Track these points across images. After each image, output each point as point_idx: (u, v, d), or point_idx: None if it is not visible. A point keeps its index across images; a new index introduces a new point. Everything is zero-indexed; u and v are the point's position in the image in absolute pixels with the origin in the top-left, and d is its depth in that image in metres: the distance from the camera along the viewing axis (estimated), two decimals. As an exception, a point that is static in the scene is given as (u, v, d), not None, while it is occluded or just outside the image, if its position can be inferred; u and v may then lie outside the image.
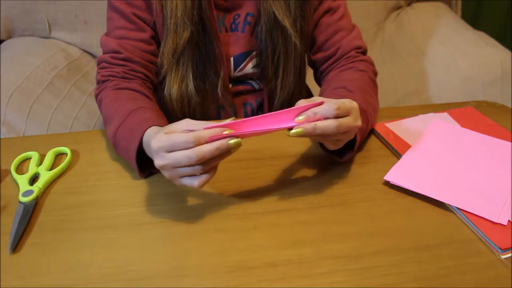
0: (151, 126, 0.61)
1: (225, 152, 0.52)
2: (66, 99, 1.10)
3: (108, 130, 0.68)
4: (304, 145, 0.71)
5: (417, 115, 0.79)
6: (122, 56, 0.74)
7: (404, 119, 0.77)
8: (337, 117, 0.54)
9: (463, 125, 0.75)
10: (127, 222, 0.58)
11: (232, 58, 0.80)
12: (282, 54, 0.78)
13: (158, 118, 0.65)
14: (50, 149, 0.70)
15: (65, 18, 1.28)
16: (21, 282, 0.50)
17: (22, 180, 0.63)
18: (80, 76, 1.21)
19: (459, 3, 1.53)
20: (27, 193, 0.61)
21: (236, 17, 0.79)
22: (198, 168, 0.52)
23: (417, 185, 0.61)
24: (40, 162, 0.68)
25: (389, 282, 0.49)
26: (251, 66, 0.82)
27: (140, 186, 0.64)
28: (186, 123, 0.54)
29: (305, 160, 0.68)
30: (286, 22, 0.74)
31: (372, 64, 0.81)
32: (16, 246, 0.54)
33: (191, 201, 0.61)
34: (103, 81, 0.75)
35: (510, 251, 0.53)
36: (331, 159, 0.67)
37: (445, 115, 0.79)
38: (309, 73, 0.90)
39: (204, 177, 0.53)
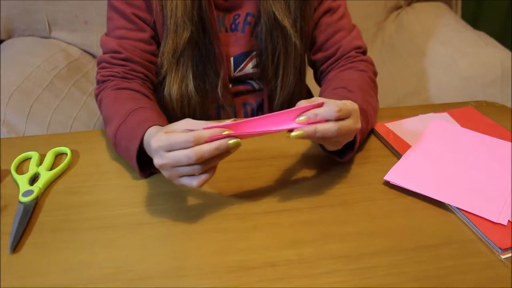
0: (152, 125, 0.61)
1: (225, 152, 0.53)
2: (66, 99, 1.10)
3: (108, 130, 0.68)
4: (304, 145, 0.71)
5: (417, 115, 0.79)
6: (122, 56, 0.74)
7: (404, 119, 0.77)
8: (338, 119, 0.54)
9: (463, 125, 0.75)
10: (127, 222, 0.58)
11: (232, 58, 0.80)
12: (282, 54, 0.78)
13: (159, 118, 0.65)
14: (50, 149, 0.70)
15: (65, 18, 1.28)
16: (21, 282, 0.50)
17: (22, 180, 0.63)
18: (80, 76, 1.21)
19: (459, 3, 1.53)
20: (27, 193, 0.61)
21: (236, 17, 0.79)
22: (197, 168, 0.52)
23: (417, 185, 0.61)
24: (40, 162, 0.68)
25: (389, 282, 0.49)
26: (251, 66, 0.82)
27: (140, 186, 0.64)
28: (186, 123, 0.54)
29: (305, 160, 0.68)
30: (286, 22, 0.74)
31: (372, 64, 0.81)
32: (16, 246, 0.54)
33: (191, 201, 0.61)
34: (103, 81, 0.75)
35: (510, 251, 0.53)
36: (331, 159, 0.67)
37: (445, 115, 0.79)
38: (309, 73, 0.90)
39: (203, 177, 0.53)
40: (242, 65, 0.82)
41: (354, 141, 0.63)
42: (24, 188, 0.62)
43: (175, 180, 0.54)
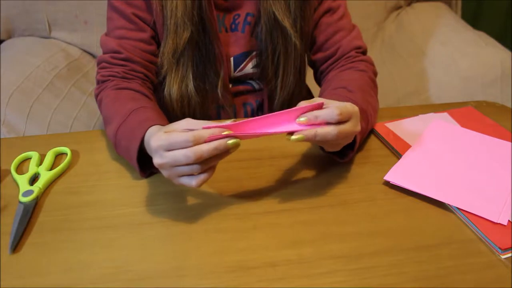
0: (152, 125, 0.61)
1: (224, 152, 0.53)
2: (66, 99, 1.10)
3: (109, 130, 0.68)
4: (304, 145, 0.71)
5: (417, 115, 0.79)
6: (122, 56, 0.74)
7: (404, 119, 0.77)
8: (338, 122, 0.54)
9: (463, 125, 0.75)
10: (127, 222, 0.58)
11: (232, 58, 0.80)
12: (282, 54, 0.78)
13: (159, 117, 0.65)
14: (50, 149, 0.70)
15: (65, 18, 1.28)
16: (21, 282, 0.50)
17: (22, 180, 0.63)
18: (80, 76, 1.21)
19: (459, 3, 1.53)
20: (27, 193, 0.61)
21: (236, 17, 0.79)
22: (196, 167, 0.52)
23: (417, 185, 0.61)
24: (40, 162, 0.67)
25: (389, 282, 0.49)
26: (251, 66, 0.82)
27: (140, 186, 0.64)
28: (186, 123, 0.54)
29: (305, 160, 0.68)
30: (286, 23, 0.74)
31: (372, 64, 0.81)
32: (16, 246, 0.54)
33: (191, 201, 0.61)
34: (103, 81, 0.75)
35: (510, 251, 0.53)
36: (331, 159, 0.67)
37: (445, 115, 0.79)
38: (309, 73, 0.90)
39: (202, 176, 0.53)
40: (242, 65, 0.82)
41: (354, 141, 0.63)
42: (24, 188, 0.62)
43: (174, 179, 0.54)
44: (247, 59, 0.81)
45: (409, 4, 1.50)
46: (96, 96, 0.75)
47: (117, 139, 0.65)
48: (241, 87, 0.84)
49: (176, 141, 0.51)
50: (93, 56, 1.32)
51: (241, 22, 0.79)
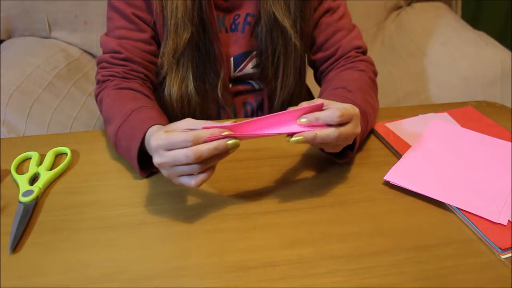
0: (153, 125, 0.61)
1: (223, 153, 0.53)
2: (66, 99, 1.10)
3: (109, 130, 0.68)
4: (304, 145, 0.71)
5: (417, 115, 0.79)
6: (122, 56, 0.74)
7: (404, 119, 0.77)
8: (339, 123, 0.54)
9: (463, 125, 0.75)
10: (127, 222, 0.58)
11: (232, 58, 0.80)
12: (282, 54, 0.78)
13: (160, 117, 0.65)
14: (50, 149, 0.70)
15: (65, 18, 1.28)
16: (21, 282, 0.50)
17: (22, 180, 0.63)
18: (80, 76, 1.21)
19: (459, 3, 1.53)
20: (27, 193, 0.61)
21: (236, 17, 0.79)
22: (195, 167, 0.52)
23: (417, 185, 0.61)
24: (40, 162, 0.68)
25: (389, 282, 0.49)
26: (251, 66, 0.82)
27: (140, 186, 0.64)
28: (186, 123, 0.54)
29: (305, 160, 0.68)
30: (286, 23, 0.74)
31: (372, 64, 0.81)
32: (16, 246, 0.54)
33: (191, 200, 0.61)
34: (103, 81, 0.75)
35: (510, 251, 0.53)
36: (331, 159, 0.67)
37: (445, 115, 0.79)
38: (309, 73, 0.90)
39: (202, 176, 0.53)
40: (242, 65, 0.82)
41: (353, 142, 0.63)
42: (24, 188, 0.62)
43: (174, 179, 0.54)
44: (247, 59, 0.81)
45: (409, 4, 1.50)
46: (96, 96, 0.75)
47: (117, 138, 0.65)
48: (241, 87, 0.84)
49: (176, 140, 0.51)
50: (93, 56, 1.32)
51: (241, 22, 0.79)
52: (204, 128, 0.52)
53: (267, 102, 0.85)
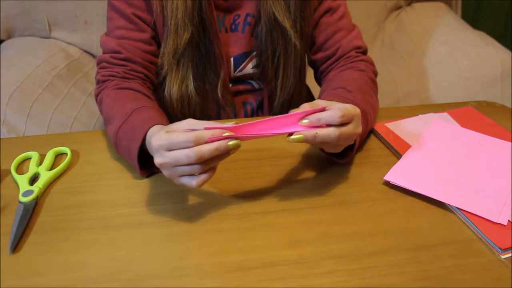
0: (154, 125, 0.61)
1: (224, 153, 0.53)
2: (66, 99, 1.10)
3: (109, 130, 0.68)
4: (304, 145, 0.71)
5: (417, 115, 0.79)
6: (123, 56, 0.74)
7: (404, 119, 0.77)
8: (340, 124, 0.54)
9: (463, 125, 0.75)
10: (127, 222, 0.58)
11: (232, 59, 0.80)
12: (282, 54, 0.78)
13: (160, 117, 0.65)
14: (50, 149, 0.70)
15: (65, 18, 1.28)
16: (21, 282, 0.50)
17: (22, 180, 0.63)
18: (80, 76, 1.21)
19: (459, 3, 1.54)
20: (27, 193, 0.61)
21: (236, 17, 0.79)
22: (197, 168, 0.52)
23: (417, 185, 0.61)
24: (40, 162, 0.68)
25: (389, 282, 0.49)
26: (251, 67, 0.82)
27: (140, 186, 0.64)
28: (188, 123, 0.54)
29: (305, 160, 0.68)
30: (286, 23, 0.74)
31: (372, 64, 0.81)
32: (16, 246, 0.54)
33: (191, 200, 0.61)
34: (103, 81, 0.75)
35: (510, 251, 0.53)
36: (331, 159, 0.67)
37: (445, 115, 0.79)
38: (309, 73, 0.90)
39: (203, 176, 0.53)
40: (242, 65, 0.82)
41: (353, 142, 0.63)
42: (24, 188, 0.62)
43: (175, 179, 0.54)
44: (247, 60, 0.81)
45: (409, 4, 1.50)
46: (96, 96, 0.75)
47: (117, 138, 0.65)
48: (241, 87, 0.84)
49: (177, 141, 0.51)
50: (93, 56, 1.32)
51: (241, 23, 0.79)
52: (205, 128, 0.52)
53: (267, 102, 0.85)
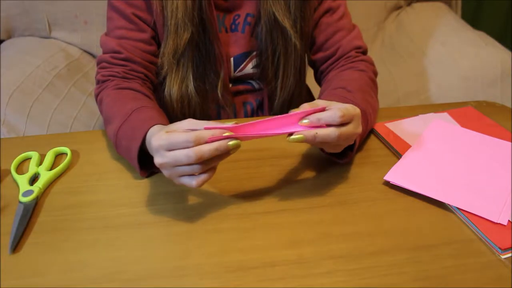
0: (154, 124, 0.61)
1: (224, 153, 0.53)
2: (66, 99, 1.10)
3: (109, 130, 0.68)
4: (304, 145, 0.71)
5: (417, 115, 0.79)
6: (123, 56, 0.74)
7: (404, 119, 0.77)
8: (340, 124, 0.54)
9: (463, 125, 0.75)
10: (127, 222, 0.58)
11: (232, 59, 0.80)
12: (282, 54, 0.78)
13: (160, 117, 0.65)
14: (50, 149, 0.70)
15: (65, 18, 1.28)
16: (21, 282, 0.50)
17: (22, 180, 0.63)
18: (80, 76, 1.21)
19: (459, 3, 1.54)
20: (27, 193, 0.61)
21: (236, 17, 0.79)
22: (197, 168, 0.52)
23: (417, 185, 0.61)
24: (40, 162, 0.68)
25: (389, 282, 0.49)
26: (251, 67, 0.82)
27: (140, 186, 0.64)
28: (188, 123, 0.54)
29: (305, 160, 0.68)
30: (286, 23, 0.74)
31: (372, 64, 0.81)
32: (16, 246, 0.54)
33: (191, 200, 0.61)
34: (104, 81, 0.75)
35: (510, 251, 0.53)
36: (331, 159, 0.67)
37: (445, 115, 0.79)
38: (309, 73, 0.90)
39: (203, 177, 0.53)
40: (242, 65, 0.82)
41: (353, 142, 0.63)
42: (24, 188, 0.62)
43: (175, 179, 0.54)
44: (247, 60, 0.81)
45: (409, 4, 1.50)
46: (96, 96, 0.75)
47: (118, 138, 0.65)
48: (241, 87, 0.84)
49: (177, 141, 0.51)
50: (93, 56, 1.32)
51: (241, 23, 0.79)
52: (205, 128, 0.52)
53: (267, 102, 0.85)
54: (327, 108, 0.55)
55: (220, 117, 0.85)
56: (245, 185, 0.63)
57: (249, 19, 0.78)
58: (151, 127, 0.61)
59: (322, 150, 0.67)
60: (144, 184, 0.64)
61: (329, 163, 0.67)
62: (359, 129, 0.58)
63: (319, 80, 0.87)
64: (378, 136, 0.74)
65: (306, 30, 0.79)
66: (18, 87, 1.03)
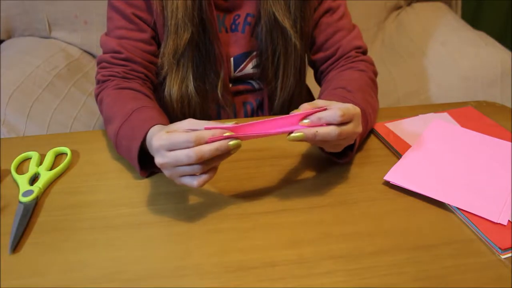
0: (154, 124, 0.61)
1: (225, 153, 0.53)
2: (66, 99, 1.10)
3: (109, 130, 0.68)
4: (304, 145, 0.71)
5: (417, 115, 0.79)
6: (123, 56, 0.74)
7: (404, 119, 0.77)
8: (340, 123, 0.54)
9: (463, 125, 0.75)
10: (127, 222, 0.58)
11: (232, 59, 0.80)
12: (282, 54, 0.78)
13: (161, 117, 0.65)
14: (50, 149, 0.70)
15: (65, 18, 1.28)
16: (21, 282, 0.50)
17: (22, 180, 0.63)
18: (80, 76, 1.21)
19: (459, 3, 1.53)
20: (27, 193, 0.61)
21: (236, 17, 0.79)
22: (197, 168, 0.52)
23: (417, 185, 0.61)
24: (40, 162, 0.68)
25: (389, 282, 0.49)
26: (251, 67, 0.82)
27: (140, 186, 0.64)
28: (188, 123, 0.54)
29: (305, 160, 0.68)
30: (286, 23, 0.74)
31: (372, 64, 0.81)
32: (16, 246, 0.54)
33: (191, 200, 0.61)
34: (104, 81, 0.75)
35: (510, 251, 0.53)
36: (331, 159, 0.67)
37: (445, 115, 0.79)
38: (309, 73, 0.90)
39: (204, 177, 0.53)
40: (242, 65, 0.82)
41: (353, 142, 0.63)
42: (24, 188, 0.62)
43: (176, 179, 0.54)
44: (247, 60, 0.81)
45: (409, 4, 1.50)
46: (96, 96, 0.75)
47: (118, 138, 0.65)
48: (241, 87, 0.84)
49: (177, 141, 0.51)
50: (93, 56, 1.32)
51: (241, 23, 0.79)
52: (206, 128, 0.52)
53: (267, 102, 0.85)
54: (327, 108, 0.55)
55: (220, 117, 0.85)
56: (245, 185, 0.63)
57: (249, 19, 0.78)
58: (151, 127, 0.61)
59: (322, 149, 0.67)
60: (144, 184, 0.64)
61: (329, 163, 0.67)
62: (359, 129, 0.58)
63: (319, 80, 0.87)
64: (378, 136, 0.74)
65: (306, 30, 0.79)
66: (18, 87, 1.03)
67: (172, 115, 0.79)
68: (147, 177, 0.65)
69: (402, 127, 0.75)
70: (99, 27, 1.29)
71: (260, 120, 0.54)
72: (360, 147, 0.71)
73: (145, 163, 0.63)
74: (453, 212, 0.59)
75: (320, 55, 0.82)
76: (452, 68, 1.18)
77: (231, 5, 0.78)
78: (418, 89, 1.21)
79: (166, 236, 0.56)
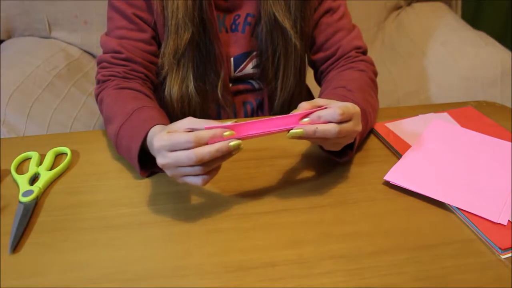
0: (155, 124, 0.61)
1: (226, 154, 0.53)
2: (66, 99, 1.10)
3: (110, 130, 0.68)
4: (304, 145, 0.71)
5: (417, 115, 0.79)
6: (123, 56, 0.74)
7: (404, 119, 0.77)
8: (340, 122, 0.54)
9: (463, 125, 0.75)
10: (127, 222, 0.58)
11: (232, 59, 0.80)
12: (282, 55, 0.78)
13: (161, 117, 0.65)
14: (50, 149, 0.70)
15: (65, 18, 1.28)
16: (21, 282, 0.50)
17: (22, 180, 0.63)
18: (80, 76, 1.21)
19: (459, 3, 1.53)
20: (27, 193, 0.61)
21: (236, 17, 0.79)
22: (199, 169, 0.52)
23: (417, 185, 0.61)
24: (40, 162, 0.68)
25: (389, 282, 0.49)
26: (251, 67, 0.82)
27: (140, 186, 0.64)
28: (188, 122, 0.54)
29: (305, 160, 0.68)
30: (286, 23, 0.74)
31: (372, 64, 0.81)
32: (16, 246, 0.54)
33: (191, 200, 0.61)
34: (104, 81, 0.75)
35: (510, 251, 0.53)
36: (331, 159, 0.67)
37: (445, 115, 0.79)
38: (309, 73, 0.90)
39: (206, 176, 0.53)
40: (242, 65, 0.82)
41: (353, 141, 0.63)
42: (24, 188, 0.62)
43: (178, 179, 0.55)
44: (247, 60, 0.81)
45: (409, 4, 1.50)
46: (97, 96, 0.75)
47: (118, 138, 0.65)
48: (241, 87, 0.84)
49: (178, 141, 0.51)
50: (93, 56, 1.32)
51: (241, 23, 0.79)
52: (206, 128, 0.52)
53: (267, 102, 0.85)
54: (327, 107, 0.55)
55: (220, 117, 0.85)
56: (245, 185, 0.63)
57: (249, 19, 0.78)
58: (152, 127, 0.61)
59: (322, 148, 0.66)
60: (144, 184, 0.64)
61: (329, 163, 0.67)
62: (359, 127, 0.58)
63: (319, 80, 0.87)
64: (378, 136, 0.74)
65: (306, 30, 0.79)
66: (18, 87, 1.03)
67: (172, 115, 0.79)
68: (147, 177, 0.65)
69: (402, 127, 0.75)
70: (99, 27, 1.29)
71: (260, 119, 0.54)
72: (360, 147, 0.71)
73: (145, 163, 0.63)
74: (453, 212, 0.59)
75: (320, 55, 0.82)
76: (452, 68, 1.18)
77: (231, 5, 0.78)
78: (418, 89, 1.21)
79: (166, 236, 0.56)
